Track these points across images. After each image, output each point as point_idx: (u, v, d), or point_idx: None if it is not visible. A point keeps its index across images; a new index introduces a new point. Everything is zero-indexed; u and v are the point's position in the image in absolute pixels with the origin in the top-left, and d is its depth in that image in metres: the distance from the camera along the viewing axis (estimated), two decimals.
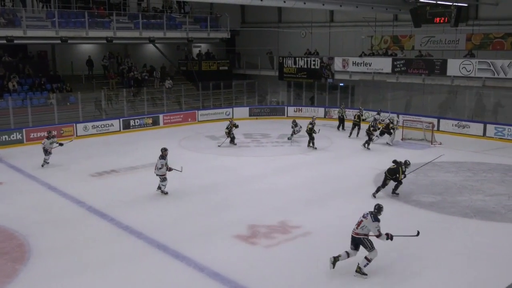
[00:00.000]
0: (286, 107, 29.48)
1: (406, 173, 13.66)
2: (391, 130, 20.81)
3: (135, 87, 27.61)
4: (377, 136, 20.67)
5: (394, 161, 13.63)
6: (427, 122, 22.10)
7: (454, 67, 23.21)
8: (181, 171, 13.97)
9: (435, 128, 22.29)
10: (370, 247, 9.00)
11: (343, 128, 24.50)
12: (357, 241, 9.15)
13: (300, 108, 29.14)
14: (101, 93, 25.57)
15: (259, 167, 17.63)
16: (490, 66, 22.05)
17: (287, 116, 28.78)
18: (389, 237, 9.07)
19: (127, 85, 27.65)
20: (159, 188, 14.09)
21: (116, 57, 29.55)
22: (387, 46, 28.20)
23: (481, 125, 22.77)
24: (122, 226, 11.67)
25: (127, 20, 27.22)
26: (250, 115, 28.80)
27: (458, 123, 23.32)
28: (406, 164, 13.59)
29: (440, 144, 20.80)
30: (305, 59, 29.11)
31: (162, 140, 22.25)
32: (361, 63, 26.79)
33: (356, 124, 22.48)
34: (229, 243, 10.70)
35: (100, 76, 28.26)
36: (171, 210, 12.93)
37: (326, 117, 28.10)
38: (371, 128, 20.09)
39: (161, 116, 26.20)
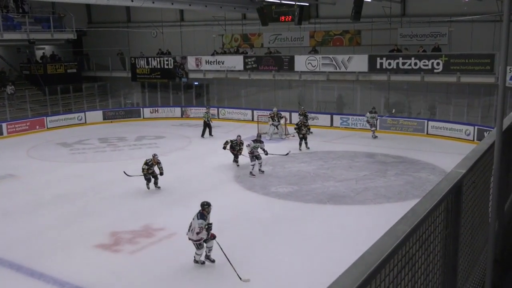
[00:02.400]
0: (142, 109, 28.90)
1: None
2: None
3: None
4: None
5: None
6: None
7: (301, 63, 24.59)
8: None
9: (287, 122, 23.43)
10: None
11: (210, 134, 22.34)
12: None
13: (156, 108, 28.77)
14: None
15: (117, 171, 16.99)
16: (332, 61, 23.73)
17: (143, 117, 28.25)
18: None
19: None
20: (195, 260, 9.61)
21: None
22: (237, 44, 28.97)
23: (328, 116, 24.46)
24: None
25: None
26: (104, 118, 27.72)
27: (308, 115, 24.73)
28: None
29: (293, 136, 21.87)
30: (158, 59, 28.76)
31: (7, 151, 20.58)
32: (214, 62, 27.18)
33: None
34: (90, 254, 10.21)
35: None
36: (22, 225, 11.93)
37: (183, 116, 28.08)
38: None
39: (4, 125, 24.08)
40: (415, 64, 21.64)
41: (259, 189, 14.35)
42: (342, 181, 15.12)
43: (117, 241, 10.80)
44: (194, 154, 19.52)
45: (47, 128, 25.63)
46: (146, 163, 14.21)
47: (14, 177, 16.50)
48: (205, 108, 23.69)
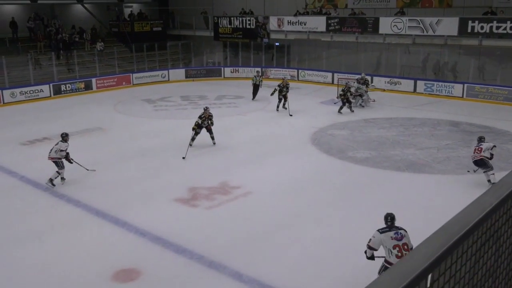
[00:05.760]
0: (222, 68, 29.24)
1: None
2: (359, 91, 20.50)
3: (64, 50, 26.41)
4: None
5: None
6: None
7: (386, 25, 23.68)
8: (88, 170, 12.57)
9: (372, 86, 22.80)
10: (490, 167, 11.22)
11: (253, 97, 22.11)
12: (480, 163, 11.31)
13: (237, 68, 28.99)
14: (28, 57, 24.31)
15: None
16: (419, 24, 22.65)
17: (224, 77, 28.59)
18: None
19: (56, 48, 26.40)
20: None
21: (42, 18, 28.04)
22: (321, 5, 28.31)
23: (411, 82, 23.56)
24: (58, 195, 11.33)
25: None
26: (186, 76, 28.37)
27: (390, 80, 24.01)
28: None
29: (374, 101, 21.34)
30: (240, 18, 28.78)
31: (96, 105, 21.68)
32: (296, 22, 26.81)
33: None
34: (169, 207, 10.65)
35: (26, 38, 26.81)
36: (109, 176, 12.64)
37: (263, 77, 28.10)
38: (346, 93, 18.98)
39: (93, 80, 25.32)
40: (511, 28, 20.20)
41: (336, 153, 14.22)
42: (422, 149, 14.64)
43: (195, 196, 11.18)
44: (273, 115, 19.57)
45: (133, 84, 26.64)
46: (342, 90, 14.83)
47: (102, 130, 17.41)
48: (256, 72, 22.81)
